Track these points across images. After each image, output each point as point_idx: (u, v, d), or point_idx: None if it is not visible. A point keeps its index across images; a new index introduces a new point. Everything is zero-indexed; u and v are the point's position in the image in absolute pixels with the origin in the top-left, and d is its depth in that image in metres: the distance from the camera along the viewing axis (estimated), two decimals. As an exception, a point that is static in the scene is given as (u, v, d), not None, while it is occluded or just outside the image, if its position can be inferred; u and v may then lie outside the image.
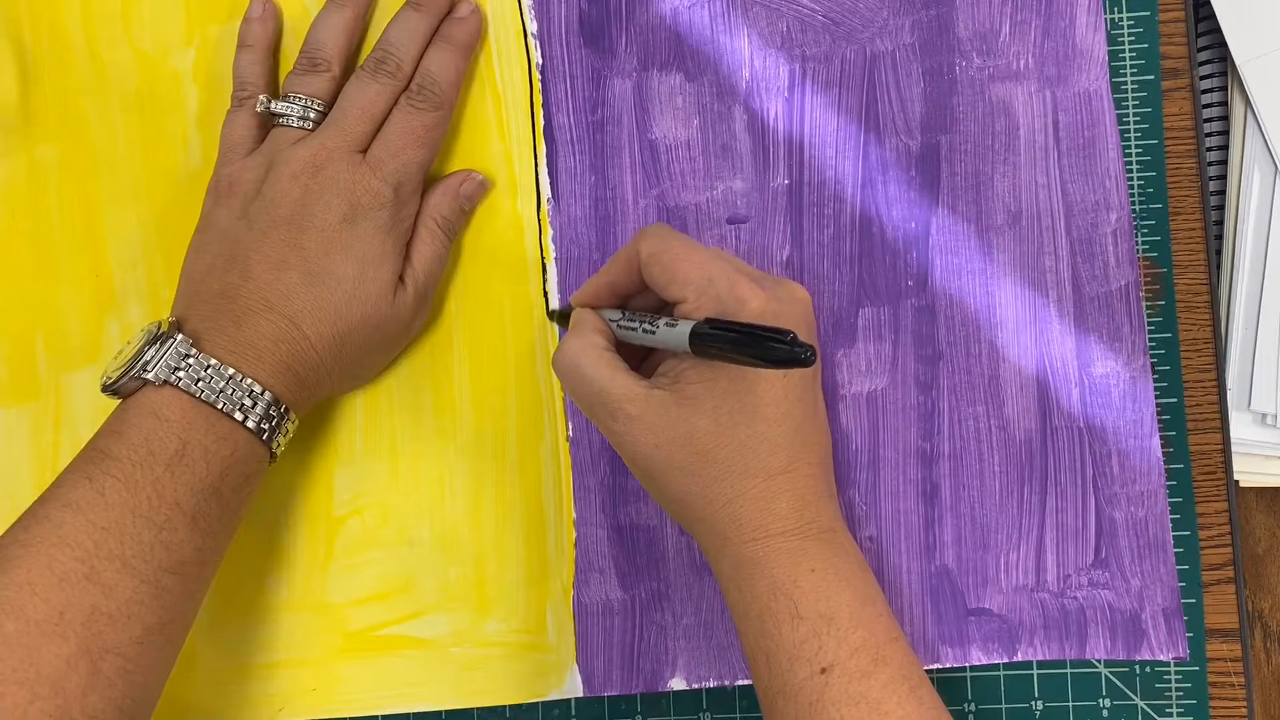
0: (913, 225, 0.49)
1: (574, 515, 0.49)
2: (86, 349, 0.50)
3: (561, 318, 0.47)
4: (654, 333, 0.42)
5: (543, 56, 0.50)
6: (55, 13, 0.51)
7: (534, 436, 0.49)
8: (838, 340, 0.49)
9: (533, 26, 0.50)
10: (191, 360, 0.42)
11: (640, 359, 0.45)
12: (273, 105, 0.47)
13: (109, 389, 0.42)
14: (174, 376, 0.41)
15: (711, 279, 0.41)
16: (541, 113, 0.50)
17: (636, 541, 0.49)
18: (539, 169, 0.50)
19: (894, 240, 0.49)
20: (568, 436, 0.49)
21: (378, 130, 0.46)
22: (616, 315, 0.44)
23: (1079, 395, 0.48)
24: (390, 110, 0.47)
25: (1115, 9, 0.50)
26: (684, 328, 0.40)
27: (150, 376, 0.41)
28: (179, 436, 0.41)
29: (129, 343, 0.43)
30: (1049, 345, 0.48)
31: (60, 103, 0.51)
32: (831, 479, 0.44)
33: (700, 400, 0.41)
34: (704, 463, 0.41)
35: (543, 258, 0.50)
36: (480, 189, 0.49)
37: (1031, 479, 0.48)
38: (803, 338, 0.40)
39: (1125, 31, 0.50)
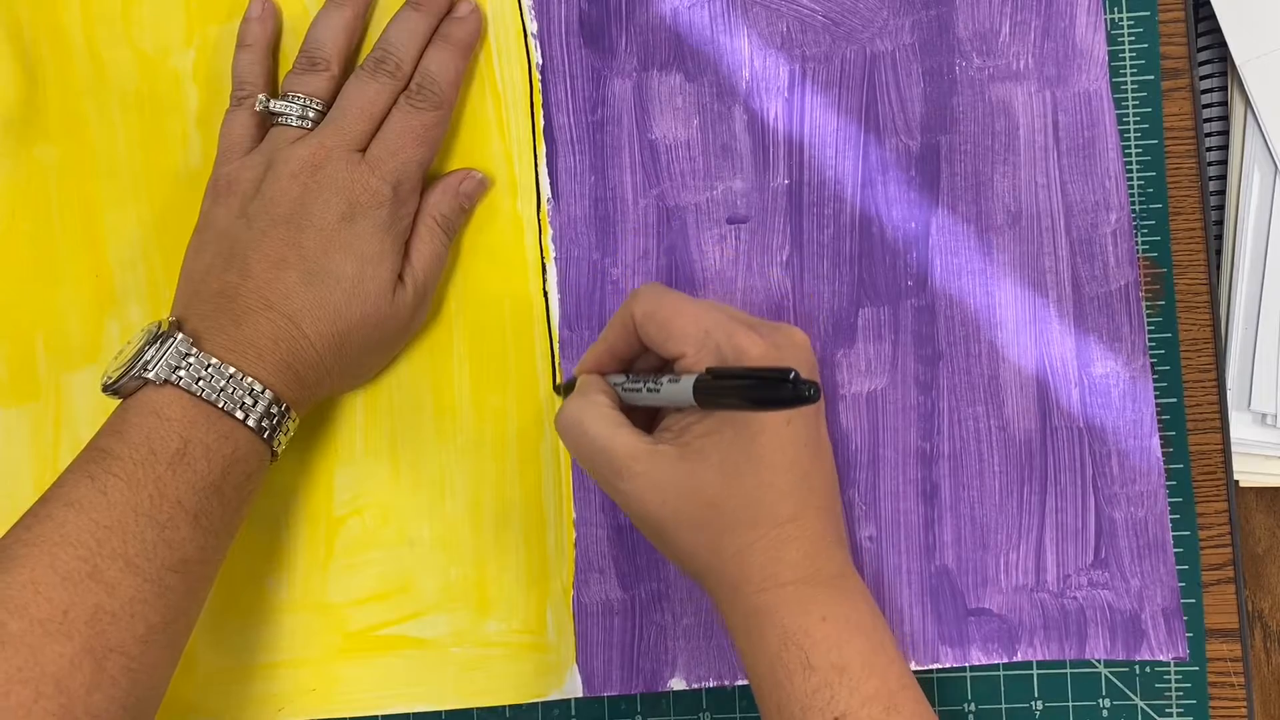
0: (913, 225, 0.49)
1: (574, 515, 0.49)
2: (86, 349, 0.50)
3: (567, 389, 0.46)
4: (658, 391, 0.41)
5: (543, 56, 0.50)
6: (55, 13, 0.51)
7: (534, 436, 0.49)
8: (838, 340, 0.49)
9: (533, 26, 0.50)
10: (192, 359, 0.42)
11: (648, 424, 0.45)
12: (272, 104, 0.47)
13: (109, 389, 0.42)
14: (174, 376, 0.41)
15: (709, 330, 0.41)
16: (541, 113, 0.50)
17: (637, 541, 0.49)
18: (539, 169, 0.50)
19: (894, 240, 0.49)
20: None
21: (377, 129, 0.46)
22: (620, 379, 0.44)
23: (1079, 395, 0.48)
24: (389, 109, 0.47)
25: (1115, 9, 0.50)
26: (687, 381, 0.40)
27: (151, 376, 0.41)
28: (180, 435, 0.41)
29: (129, 342, 0.43)
30: (1049, 345, 0.48)
31: (60, 103, 0.51)
32: (840, 522, 0.43)
33: (706, 453, 0.41)
34: (712, 515, 0.41)
35: (543, 258, 0.50)
36: (480, 187, 0.49)
37: (1031, 479, 0.48)
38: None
39: (1125, 31, 0.50)
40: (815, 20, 0.50)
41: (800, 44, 0.50)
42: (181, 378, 0.41)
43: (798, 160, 0.49)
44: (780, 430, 0.41)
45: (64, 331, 0.50)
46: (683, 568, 0.43)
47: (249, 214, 0.45)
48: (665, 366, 0.43)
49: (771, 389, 0.36)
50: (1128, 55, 0.49)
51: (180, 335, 0.42)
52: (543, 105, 0.50)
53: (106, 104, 0.51)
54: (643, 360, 0.45)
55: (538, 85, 0.50)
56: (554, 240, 0.50)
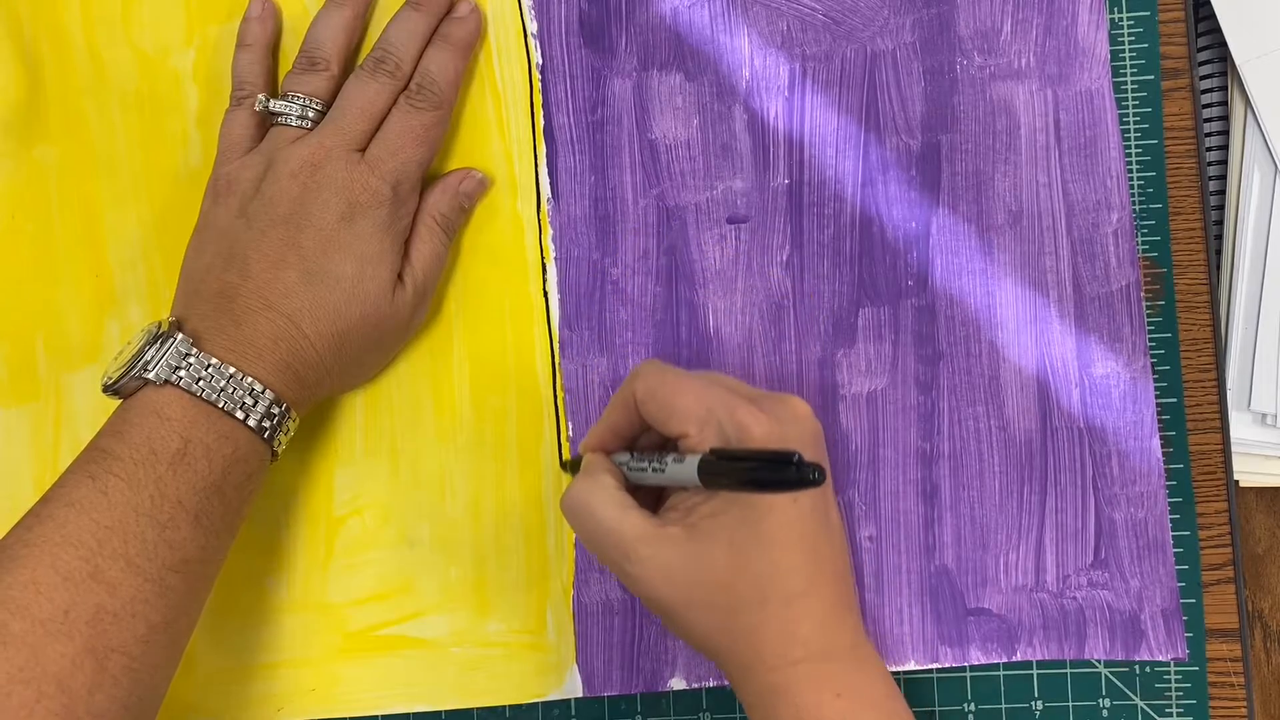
0: (913, 225, 0.49)
1: (574, 515, 0.49)
2: (86, 349, 0.50)
3: (574, 466, 0.46)
4: (663, 470, 0.41)
5: (543, 56, 0.50)
6: (55, 13, 0.51)
7: (534, 436, 0.49)
8: (838, 340, 0.49)
9: (533, 26, 0.50)
10: (192, 359, 0.42)
11: (655, 502, 0.44)
12: (271, 104, 0.47)
13: (110, 389, 0.42)
14: (175, 376, 0.41)
15: (711, 409, 0.40)
16: (541, 113, 0.50)
17: (636, 541, 0.49)
18: (539, 169, 0.50)
19: (894, 240, 0.49)
20: (568, 436, 0.49)
21: (377, 129, 0.46)
22: (625, 458, 0.43)
23: (1079, 395, 0.48)
24: (389, 109, 0.47)
25: (1115, 9, 0.49)
26: (691, 462, 0.39)
27: (151, 376, 0.41)
28: (180, 435, 0.41)
29: (129, 343, 0.43)
30: (1049, 345, 0.48)
31: (60, 103, 0.51)
32: (851, 591, 0.43)
33: (714, 534, 0.40)
34: (721, 595, 0.40)
35: (543, 258, 0.50)
36: (480, 187, 0.49)
37: (1031, 479, 0.48)
38: (809, 456, 0.40)
39: (1125, 31, 0.49)
40: (815, 19, 0.50)
41: (800, 43, 0.50)
42: (182, 378, 0.41)
43: (798, 160, 0.49)
44: (787, 507, 0.40)
45: (64, 331, 0.50)
46: (695, 647, 0.42)
47: (249, 214, 0.45)
48: (669, 444, 0.43)
49: (775, 471, 0.36)
50: (1128, 55, 0.49)
51: (180, 335, 0.42)
52: (543, 105, 0.50)
53: (106, 104, 0.51)
54: (646, 436, 0.45)
55: (538, 85, 0.50)
56: (554, 240, 0.50)
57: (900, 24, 0.49)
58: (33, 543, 0.39)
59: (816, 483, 0.35)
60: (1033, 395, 0.48)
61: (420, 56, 0.48)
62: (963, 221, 0.49)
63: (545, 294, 0.50)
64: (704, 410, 0.40)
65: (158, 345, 0.42)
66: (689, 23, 0.50)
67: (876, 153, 0.49)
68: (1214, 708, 0.48)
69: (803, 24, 0.50)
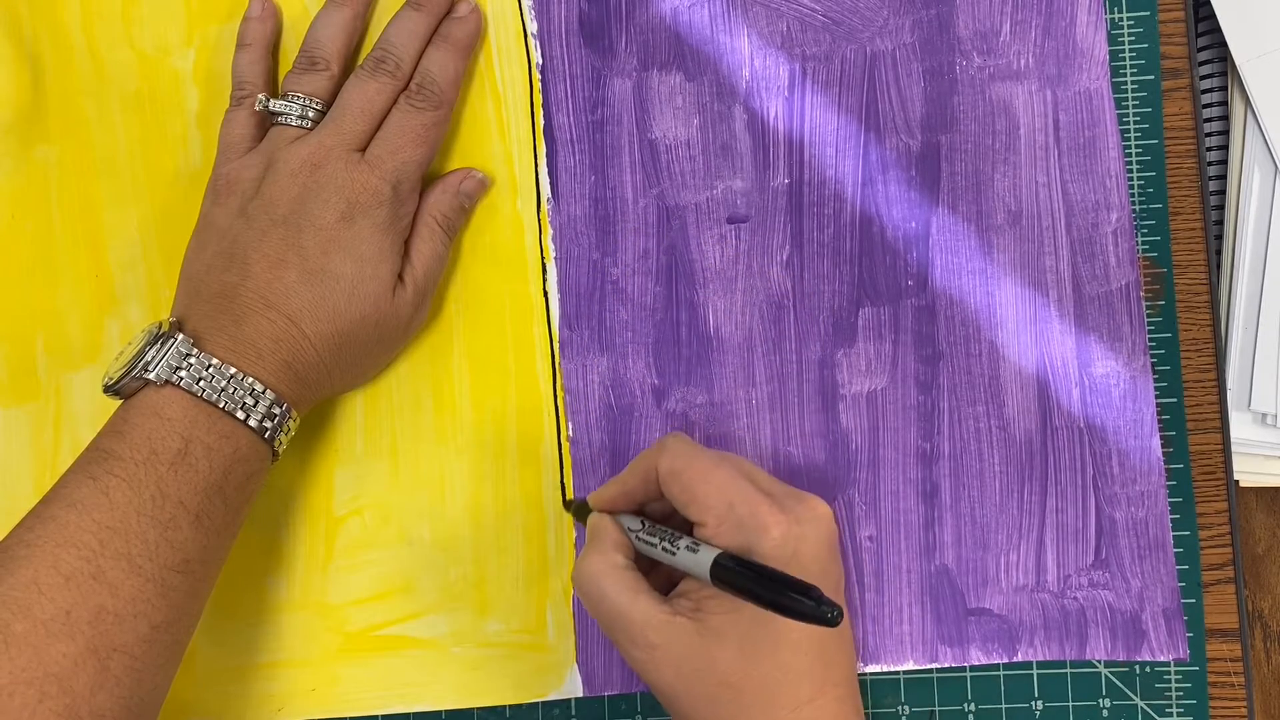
0: (913, 225, 0.49)
1: (574, 515, 0.49)
2: (86, 349, 0.50)
3: (578, 510, 0.46)
4: (674, 554, 0.41)
5: (543, 56, 0.50)
6: (55, 13, 0.51)
7: (534, 436, 0.49)
8: (838, 340, 0.49)
9: (533, 26, 0.50)
10: (192, 360, 0.42)
11: (663, 573, 0.44)
12: (271, 104, 0.47)
13: (110, 389, 0.42)
14: (175, 376, 0.41)
15: (732, 504, 0.40)
16: (541, 112, 0.50)
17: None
18: (539, 169, 0.50)
19: (894, 240, 0.49)
20: (568, 436, 0.49)
21: (377, 129, 0.46)
22: (636, 526, 0.43)
23: (1079, 395, 0.48)
24: (389, 109, 0.47)
25: (1115, 9, 0.50)
26: (705, 557, 0.39)
27: (151, 377, 0.41)
28: (181, 436, 0.41)
29: (130, 343, 0.43)
30: (1049, 345, 0.48)
31: (61, 103, 0.51)
32: (857, 694, 0.43)
33: (724, 632, 0.40)
34: (728, 694, 0.40)
35: (543, 258, 0.50)
36: (480, 187, 0.49)
37: (1031, 479, 0.48)
38: (825, 560, 0.40)
39: (1125, 31, 0.49)
40: (815, 19, 0.50)
41: (800, 43, 0.50)
42: (182, 378, 0.41)
43: (798, 159, 0.49)
44: None
45: (64, 331, 0.50)
46: None
47: (249, 213, 0.45)
48: (680, 517, 0.42)
49: (792, 598, 0.35)
50: (1128, 55, 0.49)
51: (181, 336, 0.42)
52: (543, 105, 0.50)
53: (106, 104, 0.51)
54: (659, 503, 0.44)
55: (538, 85, 0.50)
56: (554, 240, 0.50)
57: (900, 25, 0.49)
58: (34, 543, 0.39)
59: (832, 623, 0.35)
60: (1033, 395, 0.48)
61: (420, 56, 0.48)
62: (962, 221, 0.49)
63: (545, 294, 0.50)
64: (725, 504, 0.40)
65: (158, 346, 0.42)
66: (689, 23, 0.50)
67: (876, 153, 0.49)
68: (1214, 708, 0.48)
69: (802, 24, 0.50)
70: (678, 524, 0.43)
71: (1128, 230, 0.48)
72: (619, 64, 0.50)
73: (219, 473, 0.42)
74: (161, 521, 0.40)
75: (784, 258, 0.49)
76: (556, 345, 0.50)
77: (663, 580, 0.44)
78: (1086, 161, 0.49)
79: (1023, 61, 0.49)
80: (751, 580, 0.37)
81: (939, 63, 0.49)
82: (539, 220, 0.50)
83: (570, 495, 0.49)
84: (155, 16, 0.51)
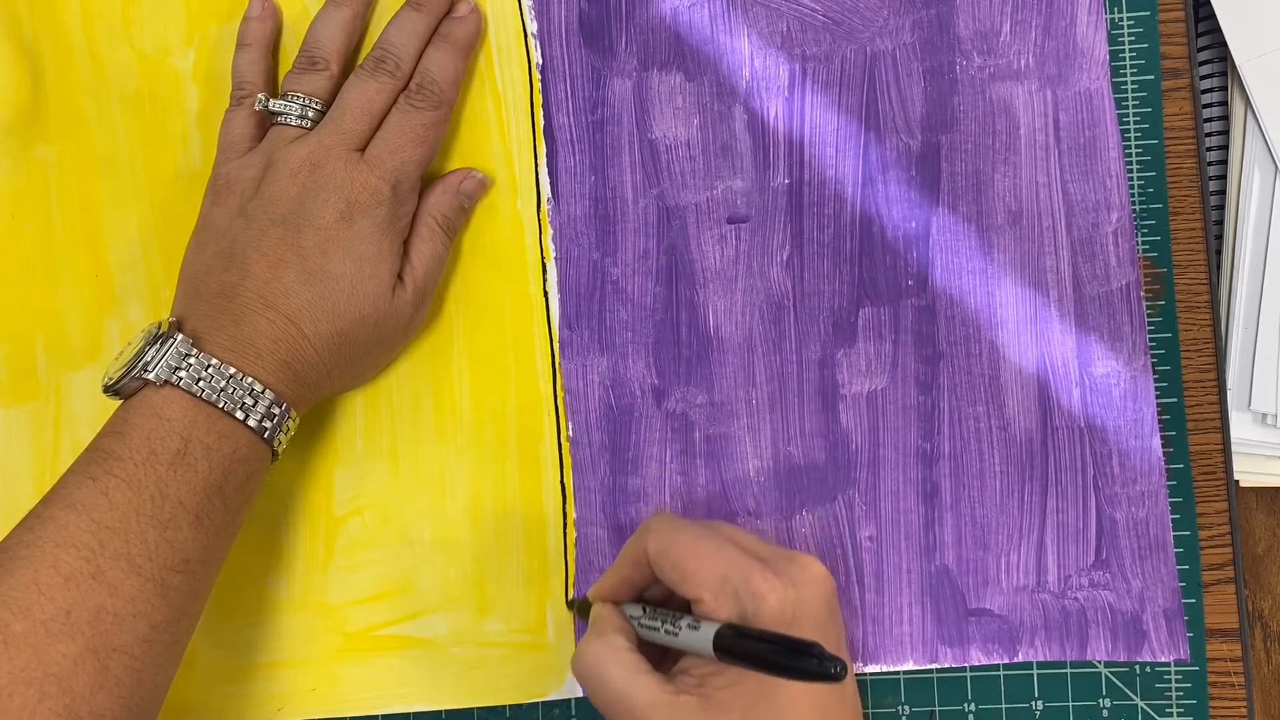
0: (913, 225, 0.49)
1: (574, 515, 0.49)
2: (86, 349, 0.50)
3: (581, 608, 0.46)
4: (676, 635, 0.40)
5: (543, 56, 0.50)
6: (55, 13, 0.51)
7: (534, 436, 0.49)
8: (838, 340, 0.49)
9: (533, 26, 0.50)
10: (192, 360, 0.42)
11: (665, 652, 0.43)
12: (271, 104, 0.47)
13: (110, 389, 0.42)
14: (175, 376, 0.41)
15: (726, 576, 0.40)
16: (541, 113, 0.50)
17: (636, 541, 0.49)
18: (539, 169, 0.50)
19: (894, 240, 0.49)
20: (568, 436, 0.49)
21: (377, 129, 0.46)
22: (637, 612, 0.43)
23: (1079, 395, 0.48)
24: (389, 109, 0.47)
25: (1115, 9, 0.50)
26: (706, 631, 0.39)
27: (151, 377, 0.41)
28: (181, 436, 0.41)
29: (129, 343, 0.43)
30: (1049, 345, 0.48)
31: (61, 103, 0.51)
32: None
33: (728, 706, 0.39)
34: None
35: (543, 258, 0.50)
36: (480, 187, 0.49)
37: (1032, 479, 0.48)
38: (824, 619, 0.39)
39: (1125, 31, 0.49)
40: (815, 19, 0.50)
41: (800, 43, 0.50)
42: (182, 378, 0.41)
43: (798, 160, 0.49)
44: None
45: (64, 331, 0.50)
46: None
47: (248, 213, 0.45)
48: (680, 599, 0.42)
49: (795, 659, 0.35)
50: (1128, 55, 0.49)
51: (180, 336, 0.42)
52: (543, 105, 0.50)
53: (106, 104, 0.51)
54: (657, 586, 0.44)
55: (538, 85, 0.50)
56: (554, 240, 0.50)
57: (900, 24, 0.49)
58: (34, 543, 0.39)
59: (837, 678, 0.34)
60: (1033, 395, 0.48)
61: (420, 56, 0.48)
62: (962, 221, 0.49)
63: (545, 294, 0.50)
64: (718, 577, 0.40)
65: (158, 346, 0.42)
66: (689, 23, 0.50)
67: (876, 153, 0.49)
68: (1214, 708, 0.48)
69: (802, 24, 0.50)
70: (677, 605, 0.42)
71: (1128, 230, 0.48)
72: (619, 64, 0.50)
73: (218, 472, 0.41)
74: (161, 521, 0.40)
75: (784, 258, 0.49)
76: (556, 345, 0.50)
77: (670, 669, 0.43)
78: (1087, 161, 0.49)
79: (1023, 61, 0.49)
80: (754, 647, 0.37)
81: (939, 63, 0.49)
82: (539, 220, 0.50)
83: (571, 595, 0.49)
84: (155, 16, 0.51)
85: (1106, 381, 0.48)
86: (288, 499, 0.50)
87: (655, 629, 0.41)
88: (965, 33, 0.49)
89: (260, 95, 0.47)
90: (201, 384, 0.41)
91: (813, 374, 0.49)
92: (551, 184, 0.50)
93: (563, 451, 0.49)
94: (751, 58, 0.50)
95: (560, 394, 0.50)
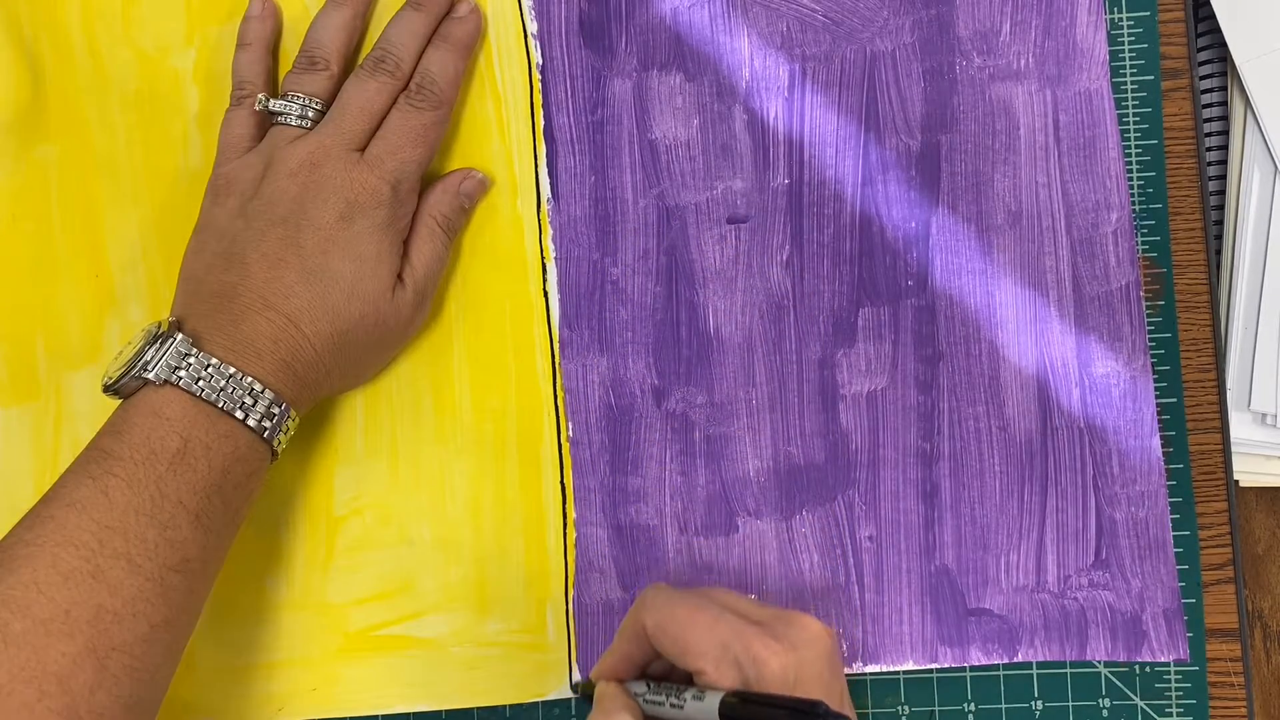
0: (913, 225, 0.49)
1: (574, 515, 0.49)
2: (87, 349, 0.50)
3: (585, 690, 0.45)
4: (682, 707, 0.40)
5: (543, 56, 0.50)
6: (54, 12, 0.51)
7: (534, 437, 0.49)
8: (838, 340, 0.49)
9: (533, 26, 0.50)
10: (191, 359, 0.42)
11: None
12: (271, 104, 0.47)
13: (110, 389, 0.43)
14: (174, 376, 0.41)
15: (725, 644, 0.39)
16: (541, 113, 0.50)
17: (636, 541, 0.49)
18: (539, 169, 0.50)
19: (894, 240, 0.49)
20: (568, 436, 0.49)
21: (376, 129, 0.46)
22: (641, 688, 0.42)
23: (1079, 395, 0.48)
24: (389, 109, 0.47)
25: (1115, 9, 0.50)
26: (711, 701, 0.39)
27: (151, 376, 0.41)
28: (180, 435, 0.41)
29: (129, 343, 0.43)
30: (1049, 345, 0.48)
31: (61, 102, 0.51)
32: None
33: None
34: None
35: (543, 258, 0.50)
36: (480, 187, 0.49)
37: (1032, 479, 0.48)
38: (826, 678, 0.39)
39: (1125, 31, 0.49)
40: (815, 20, 0.50)
41: (800, 44, 0.50)
42: (181, 378, 0.41)
43: (798, 160, 0.49)
44: None
45: (64, 331, 0.50)
46: None
47: (248, 213, 0.45)
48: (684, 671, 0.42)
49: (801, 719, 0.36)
50: (1128, 55, 0.49)
51: (180, 335, 0.42)
52: (543, 105, 0.50)
53: (107, 104, 0.51)
54: (660, 661, 0.43)
55: (538, 85, 0.50)
56: (554, 240, 0.50)
57: (899, 25, 0.49)
58: (34, 542, 0.39)
59: None
60: (1033, 395, 0.48)
61: (420, 56, 0.48)
62: (962, 221, 0.49)
63: (545, 294, 0.50)
64: (718, 646, 0.39)
65: (157, 345, 0.42)
66: (689, 23, 0.50)
67: (876, 153, 0.49)
68: (1214, 708, 0.48)
69: (802, 25, 0.50)
70: (680, 677, 0.42)
71: (1128, 230, 0.48)
72: (619, 64, 0.50)
73: (218, 472, 0.42)
74: (161, 521, 0.40)
75: (784, 258, 0.49)
76: (556, 345, 0.50)
77: None
78: (1086, 162, 0.49)
79: (1023, 61, 0.49)
80: (760, 712, 0.37)
81: (939, 63, 0.49)
82: (539, 220, 0.50)
83: (575, 677, 0.48)
84: (155, 16, 0.51)
85: (1106, 381, 0.48)
86: (288, 499, 0.50)
87: (660, 704, 0.41)
88: (965, 33, 0.49)
89: (260, 95, 0.47)
90: (201, 383, 0.41)
91: (813, 374, 0.49)
92: (551, 184, 0.50)
93: (562, 452, 0.49)
94: (751, 58, 0.50)
95: (560, 394, 0.50)
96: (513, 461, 0.49)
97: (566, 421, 0.49)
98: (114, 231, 0.51)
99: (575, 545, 0.49)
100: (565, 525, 0.49)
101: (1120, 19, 0.49)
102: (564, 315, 0.50)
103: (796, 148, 0.49)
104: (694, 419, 0.49)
